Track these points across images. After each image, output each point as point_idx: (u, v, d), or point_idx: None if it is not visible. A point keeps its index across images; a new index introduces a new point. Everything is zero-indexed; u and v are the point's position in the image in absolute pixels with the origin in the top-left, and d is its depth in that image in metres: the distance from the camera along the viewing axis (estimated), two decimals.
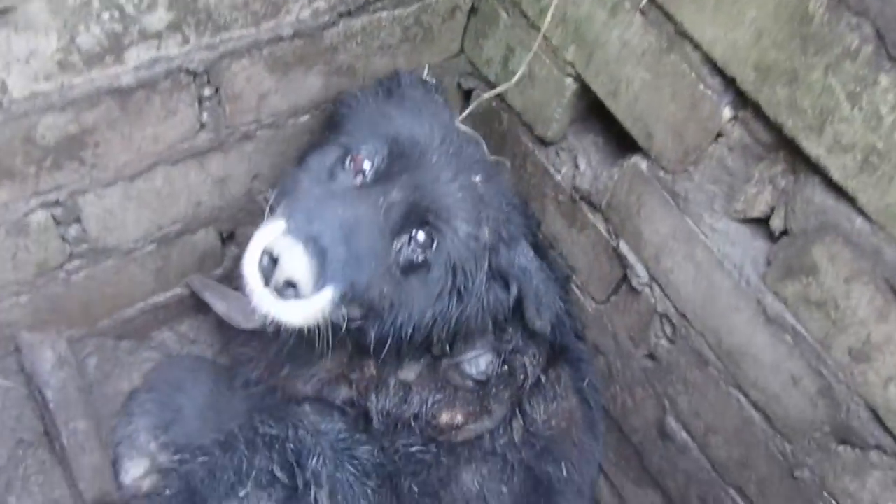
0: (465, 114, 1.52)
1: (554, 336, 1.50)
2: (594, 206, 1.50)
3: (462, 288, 1.31)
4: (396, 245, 1.26)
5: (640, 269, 1.44)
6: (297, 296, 1.13)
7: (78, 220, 1.39)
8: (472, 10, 1.57)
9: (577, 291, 1.68)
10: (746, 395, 1.34)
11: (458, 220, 1.28)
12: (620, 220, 1.44)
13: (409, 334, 1.32)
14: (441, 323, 1.33)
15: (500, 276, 1.35)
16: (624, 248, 1.46)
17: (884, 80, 0.91)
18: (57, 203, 1.32)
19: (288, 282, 1.11)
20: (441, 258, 1.29)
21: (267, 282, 1.13)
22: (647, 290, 1.45)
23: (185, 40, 1.20)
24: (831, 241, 1.07)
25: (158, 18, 1.14)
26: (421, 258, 1.28)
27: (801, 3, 0.98)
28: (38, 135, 1.18)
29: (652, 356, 1.53)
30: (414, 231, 1.26)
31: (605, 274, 1.55)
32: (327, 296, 1.16)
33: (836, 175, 1.02)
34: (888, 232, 0.99)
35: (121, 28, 1.12)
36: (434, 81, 1.53)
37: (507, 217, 1.38)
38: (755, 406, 1.33)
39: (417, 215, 1.26)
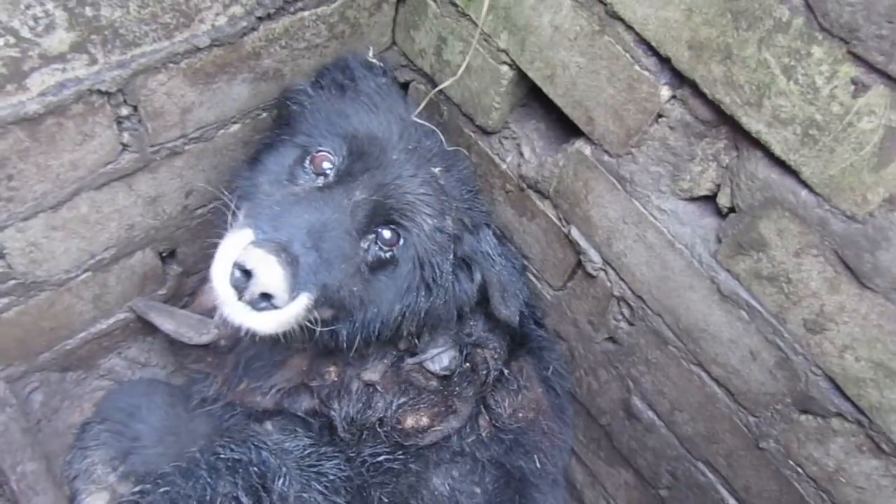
0: (419, 108, 1.47)
1: (515, 327, 1.48)
2: (542, 194, 1.47)
3: (430, 280, 1.31)
4: (364, 244, 1.25)
5: (593, 254, 1.42)
6: (273, 306, 1.11)
7: (2, 256, 1.31)
8: (400, 2, 1.51)
9: (533, 280, 1.65)
10: (708, 372, 1.34)
11: (423, 215, 1.28)
12: (569, 206, 1.41)
13: (378, 330, 1.31)
14: (410, 316, 1.33)
15: (464, 265, 1.36)
16: (575, 234, 1.43)
17: (817, 51, 0.89)
18: None
19: (263, 294, 1.08)
20: (408, 253, 1.29)
21: (240, 295, 1.10)
22: (602, 274, 1.44)
23: (93, 60, 1.13)
24: (778, 216, 1.06)
25: (59, 40, 1.07)
26: (388, 255, 1.28)
27: None
28: None
29: (613, 339, 1.52)
30: (380, 230, 1.26)
31: (559, 261, 1.53)
32: (302, 302, 1.14)
33: (778, 149, 1.00)
34: (833, 203, 0.98)
35: (18, 53, 1.04)
36: (381, 64, 1.48)
37: (469, 205, 1.39)
38: (717, 382, 1.33)
39: (382, 214, 1.25)
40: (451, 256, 1.34)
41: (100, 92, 1.18)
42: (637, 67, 1.12)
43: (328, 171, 1.27)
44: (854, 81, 0.88)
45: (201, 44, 1.24)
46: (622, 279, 1.40)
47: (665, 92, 1.11)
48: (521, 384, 1.50)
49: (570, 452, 1.79)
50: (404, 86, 1.67)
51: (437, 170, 1.34)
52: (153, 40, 1.18)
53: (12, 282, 1.37)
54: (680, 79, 1.08)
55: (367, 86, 1.41)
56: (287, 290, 1.08)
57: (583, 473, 1.91)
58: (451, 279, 1.33)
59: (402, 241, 1.27)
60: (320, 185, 1.26)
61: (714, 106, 1.05)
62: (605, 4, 1.11)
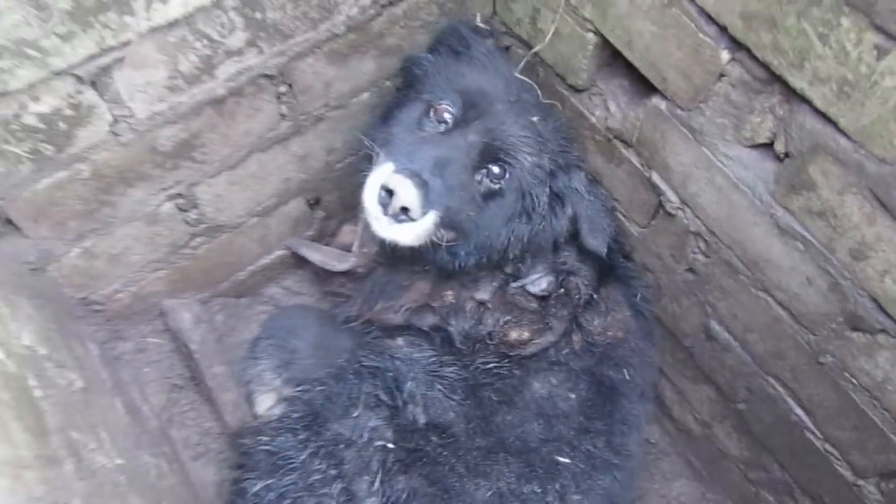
0: (520, 66, 1.72)
1: (604, 258, 1.73)
2: (626, 143, 1.68)
3: (530, 209, 1.60)
4: (477, 177, 1.55)
5: (671, 195, 1.63)
6: (410, 219, 1.43)
7: (196, 206, 1.70)
8: None
9: (622, 219, 1.87)
10: (773, 297, 1.53)
11: (524, 154, 1.56)
12: (650, 154, 1.62)
13: (489, 252, 1.62)
14: (514, 242, 1.62)
15: (558, 199, 1.62)
16: (656, 178, 1.64)
17: (845, 21, 1.06)
18: (179, 195, 1.64)
19: (403, 208, 1.41)
20: (512, 185, 1.58)
21: (385, 210, 1.44)
22: (679, 213, 1.64)
23: (261, 52, 1.46)
24: (823, 160, 1.23)
25: (238, 38, 1.40)
26: (497, 187, 1.57)
27: None
28: (159, 144, 1.48)
29: (692, 270, 1.73)
30: (490, 165, 1.55)
31: (643, 202, 1.74)
32: (431, 218, 1.46)
33: (819, 103, 1.17)
34: (867, 149, 1.15)
35: (210, 51, 1.38)
36: (488, 28, 1.75)
37: (562, 149, 1.65)
38: (781, 305, 1.52)
39: (491, 153, 1.54)
40: (548, 190, 1.62)
41: (265, 76, 1.51)
42: (700, 35, 1.31)
43: (448, 119, 1.57)
44: (876, 47, 1.04)
45: (339, 31, 1.55)
46: (697, 217, 1.60)
47: (725, 55, 1.30)
48: (610, 307, 1.76)
49: (658, 371, 2.02)
50: (505, 49, 1.90)
51: (534, 118, 1.62)
52: (303, 32, 1.49)
53: (203, 226, 1.77)
54: (736, 44, 1.27)
55: (477, 48, 1.68)
56: (420, 206, 1.40)
57: (671, 391, 2.15)
58: (548, 210, 1.61)
59: (507, 175, 1.57)
60: (442, 130, 1.57)
61: (766, 67, 1.23)
62: None
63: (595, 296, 1.72)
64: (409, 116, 1.62)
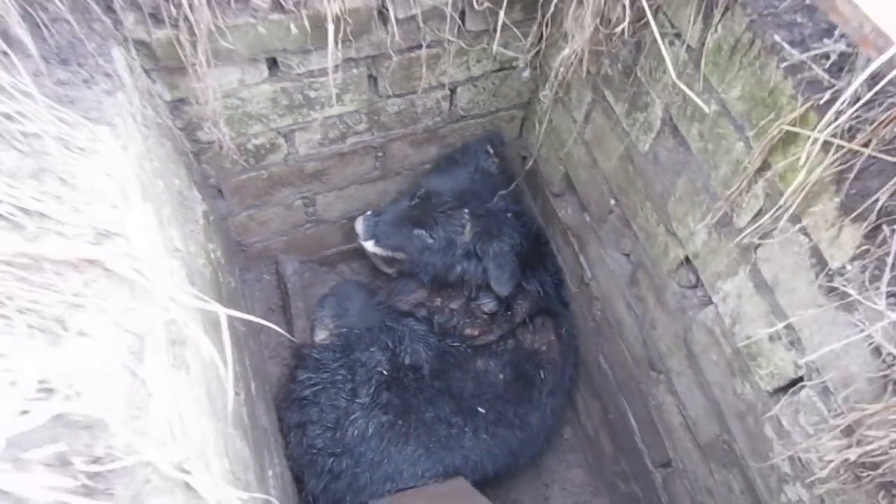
0: (514, 183, 2.82)
1: (542, 299, 2.79)
2: (572, 234, 2.75)
3: (451, 259, 2.66)
4: (416, 231, 2.67)
5: (587, 272, 2.69)
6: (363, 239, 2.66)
7: (314, 205, 2.88)
8: (523, 119, 2.85)
9: (568, 280, 2.93)
10: (624, 344, 2.56)
11: (445, 228, 2.66)
12: (580, 244, 2.69)
13: (435, 276, 2.72)
14: (448, 275, 2.69)
15: (476, 256, 2.64)
16: (582, 259, 2.70)
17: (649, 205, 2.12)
18: (306, 197, 2.82)
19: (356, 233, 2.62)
20: (436, 245, 2.66)
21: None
22: (592, 283, 2.69)
23: (372, 134, 2.61)
24: (642, 273, 2.28)
25: (362, 126, 2.56)
26: (426, 240, 2.66)
27: None
28: (305, 169, 2.66)
29: (594, 320, 2.77)
30: (420, 229, 2.65)
31: (576, 273, 2.80)
32: (371, 243, 2.71)
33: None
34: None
35: (346, 129, 2.55)
36: (494, 154, 2.86)
37: (493, 226, 2.65)
38: (628, 350, 2.55)
39: (422, 223, 2.66)
40: (468, 250, 2.65)
41: (372, 146, 2.67)
42: (604, 188, 2.38)
43: (419, 196, 2.70)
44: None
45: (418, 131, 2.69)
46: (598, 288, 2.65)
47: (612, 202, 2.36)
48: (538, 329, 2.82)
49: (569, 380, 3.04)
50: (524, 157, 3.00)
51: (477, 208, 2.67)
52: (398, 129, 2.64)
53: (314, 218, 2.95)
54: (616, 199, 2.33)
55: (472, 158, 2.77)
56: (362, 235, 2.65)
57: (581, 403, 3.17)
58: (466, 262, 2.65)
59: (430, 238, 2.65)
60: (412, 203, 2.71)
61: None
62: None
63: (528, 320, 2.79)
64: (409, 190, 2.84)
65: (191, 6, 1.69)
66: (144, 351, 1.05)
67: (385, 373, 2.74)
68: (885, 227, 1.22)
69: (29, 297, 0.85)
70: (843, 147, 1.29)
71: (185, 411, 1.23)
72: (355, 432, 2.61)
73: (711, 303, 1.92)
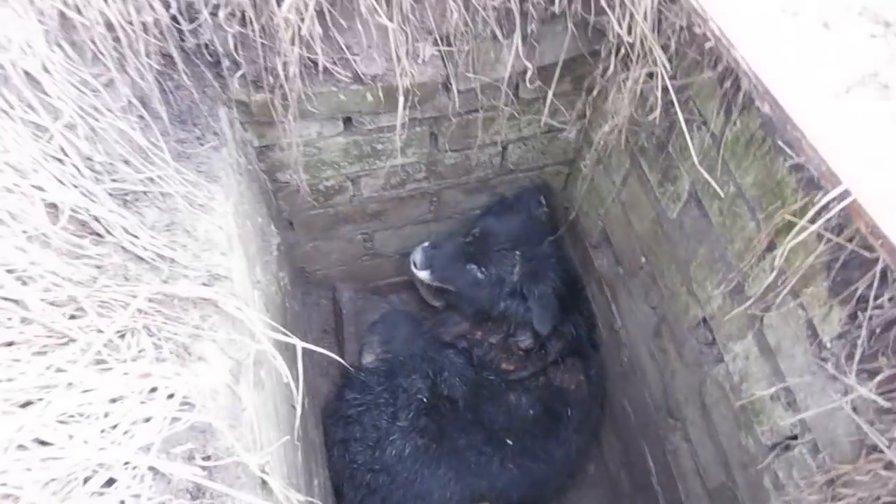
0: (559, 231, 3.07)
1: (574, 341, 3.02)
2: (605, 283, 2.97)
3: (497, 296, 2.90)
4: (468, 267, 2.91)
5: (618, 320, 2.90)
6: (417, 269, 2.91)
7: (372, 240, 3.18)
8: (568, 174, 3.10)
9: (600, 325, 3.15)
10: (648, 390, 2.76)
11: (496, 267, 2.90)
12: (612, 293, 2.91)
13: (479, 309, 2.96)
14: (492, 311, 2.93)
15: (522, 297, 2.89)
16: (614, 308, 2.92)
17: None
18: (366, 233, 3.12)
19: (414, 262, 2.88)
20: (487, 280, 2.90)
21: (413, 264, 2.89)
22: (622, 331, 2.90)
23: (430, 182, 2.89)
24: (665, 330, 2.49)
25: (420, 174, 2.84)
26: (477, 276, 2.90)
27: None
28: (367, 209, 2.96)
29: (621, 365, 2.97)
30: (472, 264, 2.90)
31: (608, 320, 3.02)
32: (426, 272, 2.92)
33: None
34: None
35: (406, 177, 2.83)
36: (544, 202, 3.11)
37: (537, 269, 2.90)
38: (650, 397, 2.75)
39: (475, 259, 2.91)
40: (515, 289, 2.89)
41: (428, 192, 2.96)
42: (635, 246, 2.61)
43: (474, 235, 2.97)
44: None
45: (471, 181, 2.96)
46: (627, 336, 2.86)
47: (643, 259, 2.59)
48: (568, 369, 3.04)
49: (596, 419, 3.23)
50: (566, 209, 3.24)
51: (526, 252, 2.92)
52: (453, 178, 2.91)
53: (372, 251, 3.25)
54: (646, 256, 2.56)
55: (523, 206, 3.02)
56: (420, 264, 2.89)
57: (605, 442, 3.36)
58: (511, 301, 2.89)
59: (480, 273, 2.90)
60: (468, 240, 2.97)
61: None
62: None
63: (560, 359, 3.02)
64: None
65: (286, 77, 1.99)
66: (240, 373, 1.33)
67: (424, 400, 2.99)
68: (859, 313, 1.43)
69: (169, 328, 1.13)
70: (831, 240, 1.51)
71: (261, 422, 1.51)
72: (393, 452, 2.86)
73: (723, 361, 2.13)
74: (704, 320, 2.21)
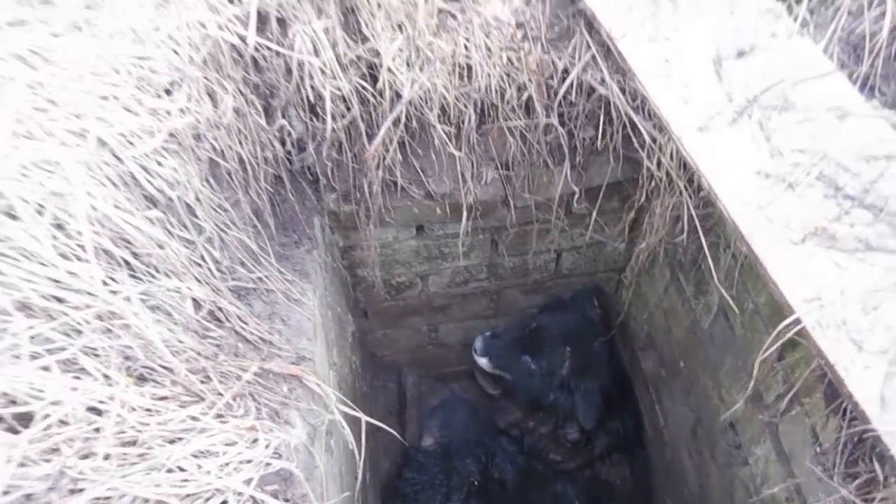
0: (611, 332, 3.33)
1: (621, 437, 3.21)
2: (651, 386, 3.18)
3: (547, 388, 3.13)
4: (523, 357, 3.17)
5: (661, 418, 3.09)
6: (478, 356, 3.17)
7: (436, 332, 3.52)
8: (618, 281, 3.38)
9: (646, 426, 3.33)
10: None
11: (547, 361, 3.16)
12: (657, 393, 3.11)
13: (530, 398, 3.18)
14: (543, 401, 3.16)
15: (569, 390, 3.12)
16: (657, 408, 3.12)
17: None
18: (431, 324, 3.46)
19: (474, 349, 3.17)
20: (538, 371, 3.15)
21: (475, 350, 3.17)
22: (665, 431, 3.08)
23: (490, 282, 3.23)
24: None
25: (482, 275, 3.19)
26: (530, 366, 3.15)
27: None
28: (434, 303, 3.31)
29: (664, 462, 3.13)
30: (527, 356, 3.16)
31: (653, 418, 3.20)
32: (485, 359, 3.17)
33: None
34: None
35: (468, 276, 3.19)
36: (597, 304, 3.39)
37: (585, 366, 3.15)
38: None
39: (529, 351, 3.17)
40: (565, 383, 3.14)
41: (488, 291, 3.29)
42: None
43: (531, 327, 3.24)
44: None
45: (528, 283, 3.28)
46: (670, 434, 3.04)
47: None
48: (614, 464, 3.22)
49: None
50: (617, 312, 3.50)
51: (576, 349, 3.18)
52: (512, 280, 3.24)
53: (436, 341, 3.58)
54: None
55: (577, 307, 3.31)
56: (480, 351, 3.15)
57: None
58: (559, 393, 3.12)
59: (533, 365, 3.16)
60: (526, 332, 3.23)
61: None
62: None
63: (607, 454, 3.21)
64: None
65: (370, 193, 2.42)
66: (315, 437, 1.66)
67: (476, 483, 3.22)
68: (842, 423, 1.64)
69: (266, 395, 1.49)
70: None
71: (329, 482, 1.83)
72: None
73: (748, 463, 2.31)
74: (731, 424, 2.40)
